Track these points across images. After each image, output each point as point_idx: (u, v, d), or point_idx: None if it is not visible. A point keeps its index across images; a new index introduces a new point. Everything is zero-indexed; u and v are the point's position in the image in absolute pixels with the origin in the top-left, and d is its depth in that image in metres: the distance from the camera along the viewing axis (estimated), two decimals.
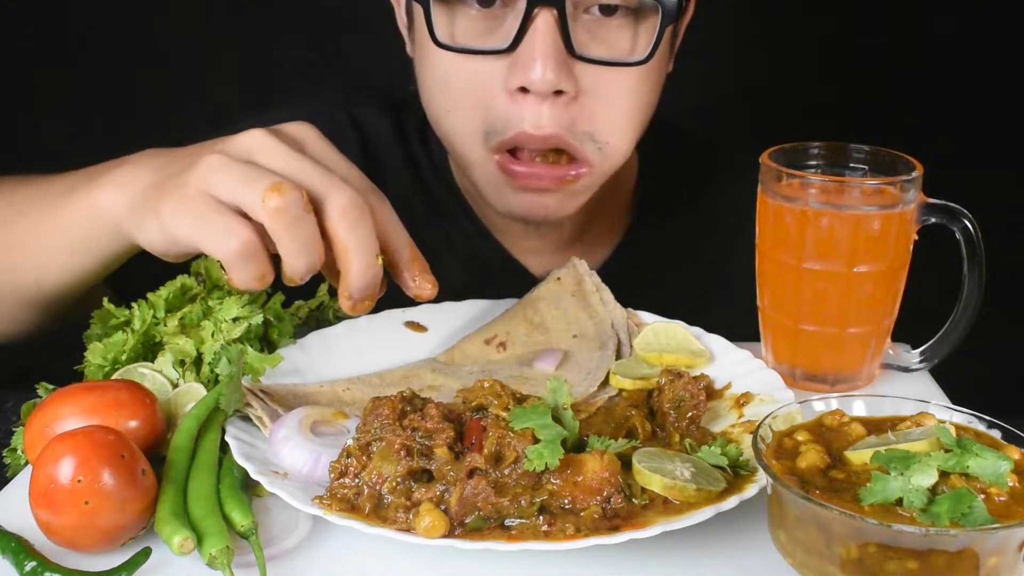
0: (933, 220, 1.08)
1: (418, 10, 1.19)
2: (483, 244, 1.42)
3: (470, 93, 1.18)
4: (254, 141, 0.93)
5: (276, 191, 0.87)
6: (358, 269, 0.92)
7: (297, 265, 0.90)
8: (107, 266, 1.06)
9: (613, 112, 1.19)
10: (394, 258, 0.97)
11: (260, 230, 0.89)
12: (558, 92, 1.14)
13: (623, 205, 1.45)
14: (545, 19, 1.11)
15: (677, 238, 1.46)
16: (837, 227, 1.05)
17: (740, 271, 1.41)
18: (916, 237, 1.09)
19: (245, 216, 0.89)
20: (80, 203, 1.01)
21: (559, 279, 1.19)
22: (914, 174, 1.06)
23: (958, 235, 1.07)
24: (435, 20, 1.15)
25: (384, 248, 0.95)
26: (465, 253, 1.42)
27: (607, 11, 1.15)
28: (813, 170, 1.12)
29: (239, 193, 0.89)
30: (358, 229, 0.91)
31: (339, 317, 1.18)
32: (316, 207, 0.90)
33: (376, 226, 0.93)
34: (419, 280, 0.98)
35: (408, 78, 1.32)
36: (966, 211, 1.07)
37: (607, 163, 1.22)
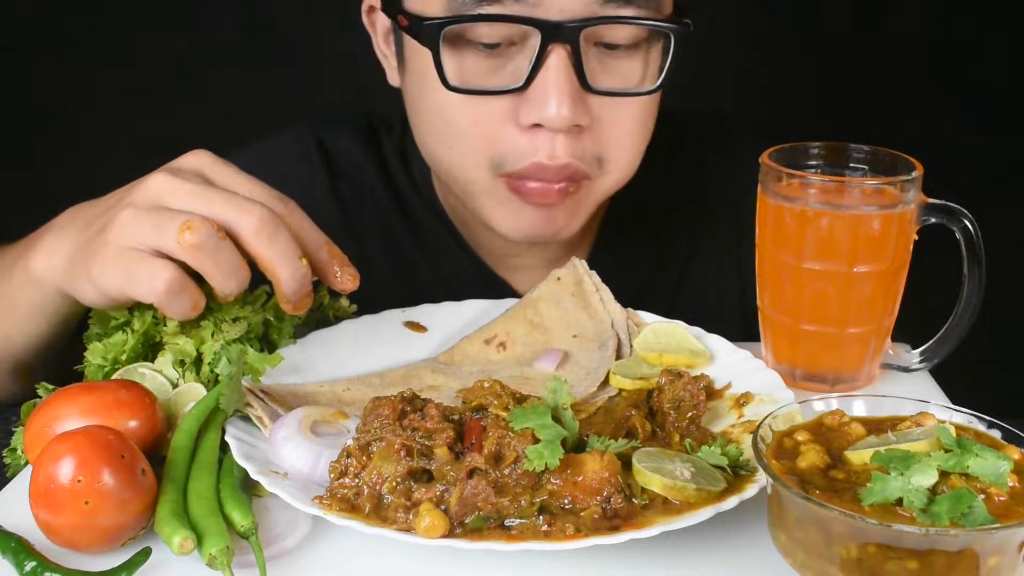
0: (933, 220, 1.08)
1: (416, 49, 1.18)
2: (468, 264, 1.42)
3: (476, 130, 1.17)
4: (159, 186, 0.98)
5: (188, 229, 0.93)
6: (286, 277, 0.98)
7: (226, 289, 0.97)
8: (66, 323, 1.10)
9: (622, 138, 1.20)
10: (314, 258, 1.01)
11: (183, 265, 0.95)
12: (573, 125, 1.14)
13: (602, 214, 1.45)
14: (559, 55, 1.11)
15: (651, 243, 1.45)
16: (837, 227, 1.05)
17: (729, 273, 1.42)
18: (916, 237, 1.09)
19: (168, 258, 0.95)
20: (21, 275, 1.06)
21: (559, 279, 1.19)
22: (914, 174, 1.06)
23: (958, 235, 1.07)
24: (444, 63, 1.14)
25: (302, 251, 0.99)
26: (449, 274, 1.42)
27: (614, 45, 1.16)
28: (813, 170, 1.12)
29: (155, 240, 0.94)
30: (275, 243, 0.96)
31: (339, 317, 1.18)
32: (231, 232, 0.95)
33: (291, 232, 0.98)
34: (341, 274, 1.03)
35: (391, 101, 1.32)
36: (966, 211, 1.07)
37: (608, 179, 1.23)
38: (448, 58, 1.15)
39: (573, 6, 1.11)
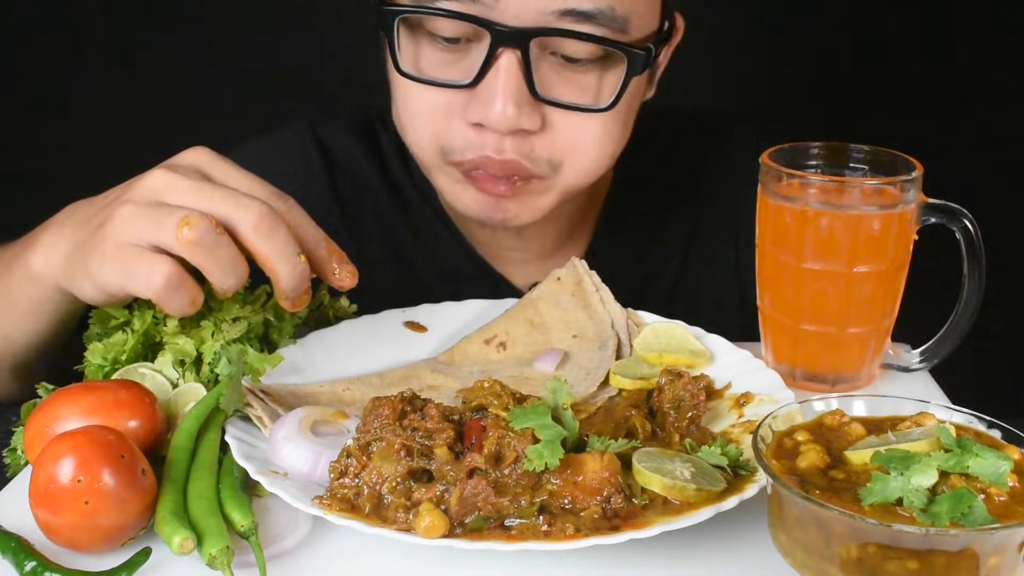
0: (933, 220, 1.08)
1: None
2: (465, 260, 1.42)
3: (428, 117, 1.19)
4: (157, 182, 0.98)
5: (186, 224, 0.93)
6: (285, 273, 0.98)
7: (225, 285, 0.96)
8: (65, 322, 1.09)
9: (583, 146, 1.20)
10: (312, 255, 1.01)
11: (182, 261, 0.95)
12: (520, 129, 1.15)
13: (598, 210, 1.45)
14: (509, 59, 1.12)
15: (647, 240, 1.45)
16: (837, 227, 1.05)
17: (728, 272, 1.42)
18: (916, 237, 1.09)
19: (167, 254, 0.95)
20: (20, 273, 1.06)
21: (559, 279, 1.19)
22: (914, 174, 1.06)
23: (958, 235, 1.07)
24: (399, 47, 1.17)
25: (301, 247, 0.99)
26: (447, 267, 1.42)
27: (572, 58, 1.16)
28: (813, 170, 1.12)
29: (153, 235, 0.94)
30: (274, 239, 0.96)
31: (339, 317, 1.18)
32: (229, 228, 0.95)
33: (290, 228, 0.98)
34: (340, 271, 1.03)
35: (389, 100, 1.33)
36: (966, 211, 1.07)
37: (566, 179, 1.22)
38: (407, 44, 1.18)
39: (528, 14, 1.11)
